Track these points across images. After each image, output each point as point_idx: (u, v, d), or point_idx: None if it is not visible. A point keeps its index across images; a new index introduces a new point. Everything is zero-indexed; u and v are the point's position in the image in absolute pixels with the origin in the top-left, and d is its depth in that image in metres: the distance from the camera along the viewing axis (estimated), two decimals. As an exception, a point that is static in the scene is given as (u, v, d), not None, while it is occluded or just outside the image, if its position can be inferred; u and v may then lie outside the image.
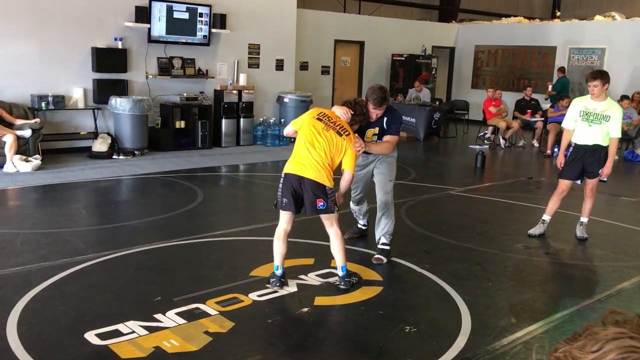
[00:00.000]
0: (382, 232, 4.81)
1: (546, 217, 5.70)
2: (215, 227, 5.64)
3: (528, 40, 15.06)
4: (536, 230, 5.69)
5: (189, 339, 3.33)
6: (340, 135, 4.05)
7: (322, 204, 3.96)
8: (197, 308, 3.73)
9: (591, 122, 5.32)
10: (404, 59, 14.44)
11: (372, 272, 4.52)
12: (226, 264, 4.69)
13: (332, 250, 4.14)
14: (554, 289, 4.61)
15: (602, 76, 5.27)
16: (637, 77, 12.95)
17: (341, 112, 4.20)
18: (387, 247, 4.79)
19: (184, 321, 3.54)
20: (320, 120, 4.09)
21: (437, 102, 13.56)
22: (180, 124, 9.90)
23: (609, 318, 0.70)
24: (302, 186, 3.96)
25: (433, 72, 14.74)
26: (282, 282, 4.10)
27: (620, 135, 5.42)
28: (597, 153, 5.39)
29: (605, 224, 6.18)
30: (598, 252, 5.40)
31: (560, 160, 5.59)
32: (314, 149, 3.98)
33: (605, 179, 5.54)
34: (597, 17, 14.69)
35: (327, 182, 3.97)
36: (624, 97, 10.92)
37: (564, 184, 5.59)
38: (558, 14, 19.83)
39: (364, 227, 5.37)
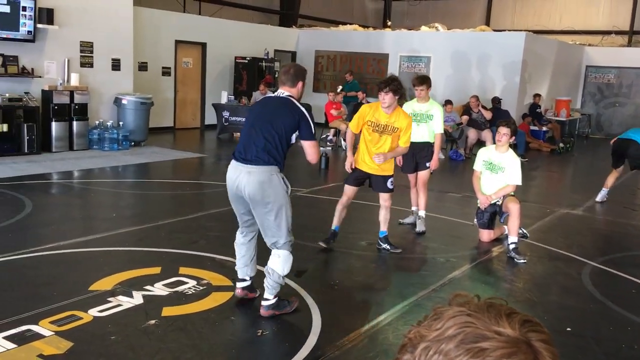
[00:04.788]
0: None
1: (414, 208, 6.26)
2: (47, 240, 5.15)
3: (363, 47, 15.87)
4: (407, 219, 6.36)
5: (19, 365, 3.01)
6: None
7: None
8: (29, 330, 3.38)
9: (419, 122, 5.99)
10: (247, 61, 14.45)
11: (222, 277, 4.43)
12: (61, 279, 4.32)
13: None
14: (396, 283, 4.89)
15: (427, 81, 6.08)
16: (458, 83, 14.20)
17: None
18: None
19: (14, 345, 3.20)
20: None
21: (281, 105, 13.75)
22: (2, 127, 9.01)
23: (454, 300, 0.77)
24: None
25: (276, 75, 14.94)
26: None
27: (442, 131, 6.14)
28: (426, 149, 6.06)
29: (438, 218, 6.70)
30: (432, 245, 5.84)
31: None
32: None
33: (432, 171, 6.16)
34: (423, 28, 15.92)
35: None
36: (447, 102, 11.93)
37: (410, 178, 6.22)
38: (389, 23, 21.17)
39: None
